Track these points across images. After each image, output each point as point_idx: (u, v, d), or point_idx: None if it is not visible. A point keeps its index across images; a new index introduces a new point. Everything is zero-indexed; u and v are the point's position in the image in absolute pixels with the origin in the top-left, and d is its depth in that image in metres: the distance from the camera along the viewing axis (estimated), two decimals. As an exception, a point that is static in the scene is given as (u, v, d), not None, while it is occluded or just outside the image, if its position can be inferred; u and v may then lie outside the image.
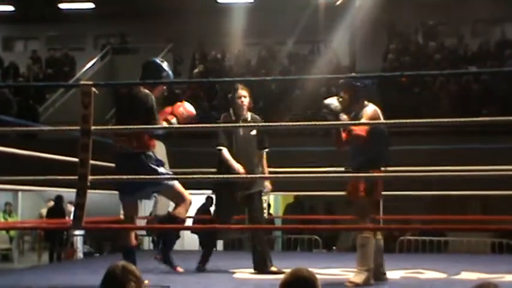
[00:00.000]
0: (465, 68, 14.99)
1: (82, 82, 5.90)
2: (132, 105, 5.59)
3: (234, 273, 6.80)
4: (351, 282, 5.74)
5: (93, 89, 5.10)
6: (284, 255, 10.25)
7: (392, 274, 6.84)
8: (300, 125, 10.01)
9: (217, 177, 6.55)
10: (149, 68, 5.95)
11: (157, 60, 6.08)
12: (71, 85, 15.53)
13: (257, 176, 6.65)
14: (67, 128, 5.71)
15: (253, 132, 6.89)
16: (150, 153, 5.54)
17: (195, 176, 6.91)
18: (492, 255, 10.92)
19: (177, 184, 5.78)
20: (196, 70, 17.80)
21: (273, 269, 6.61)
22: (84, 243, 14.72)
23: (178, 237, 13.65)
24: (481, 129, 12.52)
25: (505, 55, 15.78)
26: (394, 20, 17.96)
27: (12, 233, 15.95)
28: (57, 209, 13.97)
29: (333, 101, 5.83)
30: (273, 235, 13.13)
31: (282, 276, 2.97)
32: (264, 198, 8.60)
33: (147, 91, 5.60)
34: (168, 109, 6.09)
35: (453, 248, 11.66)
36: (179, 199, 5.85)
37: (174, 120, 5.95)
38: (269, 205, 9.76)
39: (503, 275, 6.36)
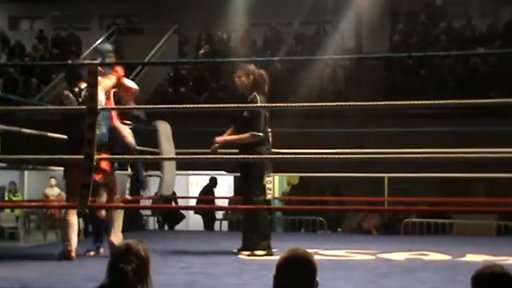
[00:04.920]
0: (473, 50, 14.86)
1: (88, 61, 5.88)
2: None
3: (239, 253, 6.81)
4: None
5: (99, 68, 5.10)
6: (288, 236, 10.27)
7: (397, 255, 6.86)
8: (304, 105, 9.97)
9: (235, 157, 6.52)
10: None
11: None
12: (77, 64, 15.46)
13: (265, 156, 6.63)
14: (73, 107, 5.69)
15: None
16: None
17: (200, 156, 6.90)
18: (497, 237, 10.91)
19: None
20: (201, 51, 17.76)
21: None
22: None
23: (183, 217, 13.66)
24: (487, 112, 12.47)
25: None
26: (401, 0, 17.89)
27: (17, 211, 16.01)
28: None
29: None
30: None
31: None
32: (269, 179, 8.63)
33: None
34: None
35: (458, 231, 11.65)
36: None
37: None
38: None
39: (509, 258, 6.34)
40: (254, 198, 6.57)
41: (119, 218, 6.36)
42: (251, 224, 6.68)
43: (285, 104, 7.47)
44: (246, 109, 6.63)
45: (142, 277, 3.11)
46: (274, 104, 6.86)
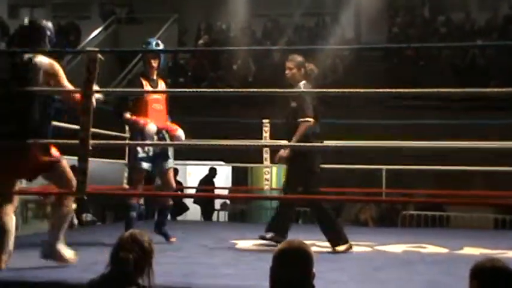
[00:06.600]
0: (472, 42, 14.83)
1: (88, 49, 5.85)
2: None
3: (236, 244, 6.81)
4: None
5: (99, 55, 5.06)
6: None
7: (394, 248, 6.86)
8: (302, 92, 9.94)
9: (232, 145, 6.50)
10: None
11: None
12: (77, 51, 15.48)
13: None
14: (69, 89, 5.58)
15: None
16: None
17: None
18: (495, 231, 10.92)
19: None
20: (201, 41, 17.71)
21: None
22: (87, 211, 14.73)
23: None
24: (484, 105, 12.44)
25: (512, 30, 15.62)
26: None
27: (15, 200, 15.98)
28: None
29: None
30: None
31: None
32: (267, 169, 8.61)
33: None
34: None
35: (456, 224, 11.64)
36: None
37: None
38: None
39: (506, 251, 6.36)
40: (295, 190, 6.46)
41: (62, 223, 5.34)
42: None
43: (282, 90, 7.41)
44: (293, 99, 6.58)
45: (143, 268, 3.11)
46: (271, 89, 6.83)
